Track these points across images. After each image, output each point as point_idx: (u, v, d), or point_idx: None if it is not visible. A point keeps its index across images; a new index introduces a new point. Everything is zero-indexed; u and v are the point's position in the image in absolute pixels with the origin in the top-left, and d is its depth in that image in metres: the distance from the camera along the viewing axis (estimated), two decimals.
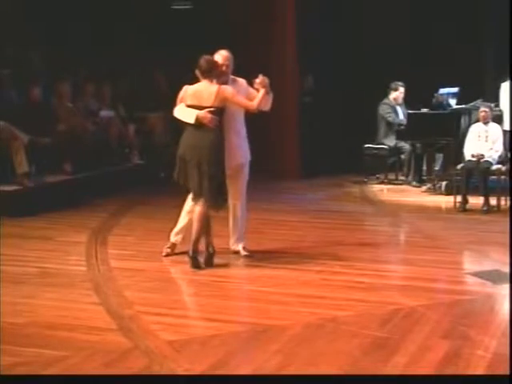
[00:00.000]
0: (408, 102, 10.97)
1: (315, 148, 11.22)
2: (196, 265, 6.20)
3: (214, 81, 6.23)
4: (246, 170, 6.60)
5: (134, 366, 4.25)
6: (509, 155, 9.36)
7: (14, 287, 5.77)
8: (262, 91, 6.27)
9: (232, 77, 6.46)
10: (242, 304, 5.42)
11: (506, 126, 9.72)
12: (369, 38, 12.22)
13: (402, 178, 11.12)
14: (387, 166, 11.22)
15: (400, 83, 11.01)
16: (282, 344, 4.63)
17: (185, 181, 6.29)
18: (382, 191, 10.58)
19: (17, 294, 5.62)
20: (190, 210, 6.43)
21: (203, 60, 6.22)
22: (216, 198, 6.16)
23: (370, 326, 4.88)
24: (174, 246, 6.69)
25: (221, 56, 6.38)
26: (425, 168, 10.87)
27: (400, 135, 10.80)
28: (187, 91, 6.26)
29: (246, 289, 5.59)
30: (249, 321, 5.07)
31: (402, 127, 10.77)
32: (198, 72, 6.24)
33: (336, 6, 12.18)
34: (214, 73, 6.22)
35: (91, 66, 11.23)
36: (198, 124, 6.13)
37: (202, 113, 6.12)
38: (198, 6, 12.72)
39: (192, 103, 6.21)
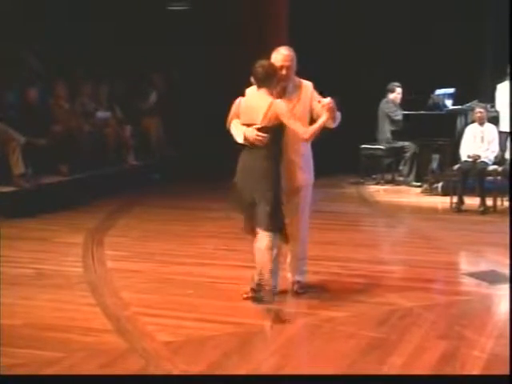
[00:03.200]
0: (406, 102, 10.98)
1: (312, 149, 11.21)
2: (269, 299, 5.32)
3: (274, 91, 5.27)
4: (307, 192, 5.60)
5: (131, 367, 4.25)
6: (505, 156, 9.38)
7: (10, 288, 5.76)
8: (323, 118, 5.20)
9: (297, 79, 5.38)
10: (238, 305, 5.41)
11: (502, 127, 9.74)
12: (367, 38, 12.23)
13: (399, 178, 11.13)
14: (384, 167, 11.24)
15: (397, 84, 11.01)
16: (278, 345, 4.64)
17: (240, 208, 5.42)
18: (378, 192, 10.59)
19: (13, 295, 5.61)
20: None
21: (259, 66, 5.21)
22: (271, 223, 5.25)
23: (366, 327, 4.88)
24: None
25: (280, 55, 5.27)
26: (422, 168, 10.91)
27: (396, 135, 10.83)
28: (241, 105, 5.32)
29: (243, 289, 5.57)
30: (245, 321, 5.07)
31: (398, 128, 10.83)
32: (253, 80, 5.28)
33: (334, 4, 12.17)
34: (272, 81, 5.22)
35: (88, 66, 11.23)
36: (250, 144, 5.24)
37: (249, 130, 5.21)
38: (195, 7, 12.72)
39: (244, 122, 5.27)
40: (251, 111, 5.22)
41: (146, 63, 12.19)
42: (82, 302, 5.49)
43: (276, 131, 5.21)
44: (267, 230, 5.24)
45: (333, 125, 5.39)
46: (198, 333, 4.81)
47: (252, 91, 5.34)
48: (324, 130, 5.37)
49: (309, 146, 5.51)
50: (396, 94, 11.01)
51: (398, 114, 10.84)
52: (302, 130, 5.24)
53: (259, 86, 5.25)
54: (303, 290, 5.62)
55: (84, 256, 6.83)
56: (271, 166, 5.24)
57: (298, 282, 5.65)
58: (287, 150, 5.32)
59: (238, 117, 5.34)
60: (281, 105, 5.19)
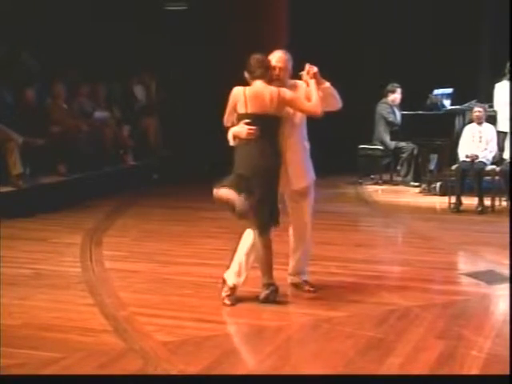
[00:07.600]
0: (403, 102, 10.99)
1: (310, 149, 11.21)
2: (274, 298, 5.37)
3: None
4: (311, 191, 5.63)
5: (129, 368, 4.24)
6: (503, 156, 9.38)
7: (8, 289, 5.75)
8: (313, 85, 5.26)
9: (292, 81, 5.43)
10: (236, 305, 5.42)
11: (500, 127, 9.75)
12: (365, 38, 12.23)
13: (397, 178, 11.15)
14: (382, 167, 11.25)
15: (397, 85, 11.04)
16: (276, 345, 4.63)
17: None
18: (376, 192, 10.60)
19: (11, 295, 5.60)
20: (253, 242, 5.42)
21: (252, 58, 5.30)
22: (264, 220, 5.35)
23: (364, 327, 4.88)
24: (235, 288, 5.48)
25: (274, 57, 5.36)
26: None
27: (394, 136, 10.84)
28: (246, 95, 5.25)
29: (241, 290, 5.58)
30: (243, 322, 5.07)
31: (396, 128, 10.83)
32: (246, 73, 5.35)
33: (333, 4, 12.17)
34: (266, 73, 5.27)
35: (86, 66, 11.22)
36: (243, 140, 5.24)
37: (236, 129, 5.25)
38: (193, 7, 12.71)
39: (253, 111, 5.22)
40: (262, 99, 5.22)
41: (143, 63, 12.20)
42: (80, 302, 5.48)
43: (269, 122, 5.25)
44: (256, 225, 5.35)
45: (336, 104, 5.45)
46: (196, 333, 4.81)
47: (253, 86, 5.31)
48: (326, 115, 5.38)
49: (307, 144, 5.60)
50: (396, 95, 11.04)
51: (392, 116, 10.86)
52: (311, 106, 5.28)
53: (254, 78, 5.31)
54: (314, 288, 5.67)
55: (82, 256, 6.83)
56: (273, 163, 5.27)
57: (306, 281, 5.71)
58: (291, 144, 5.39)
59: (236, 108, 5.30)
60: (287, 91, 5.28)
